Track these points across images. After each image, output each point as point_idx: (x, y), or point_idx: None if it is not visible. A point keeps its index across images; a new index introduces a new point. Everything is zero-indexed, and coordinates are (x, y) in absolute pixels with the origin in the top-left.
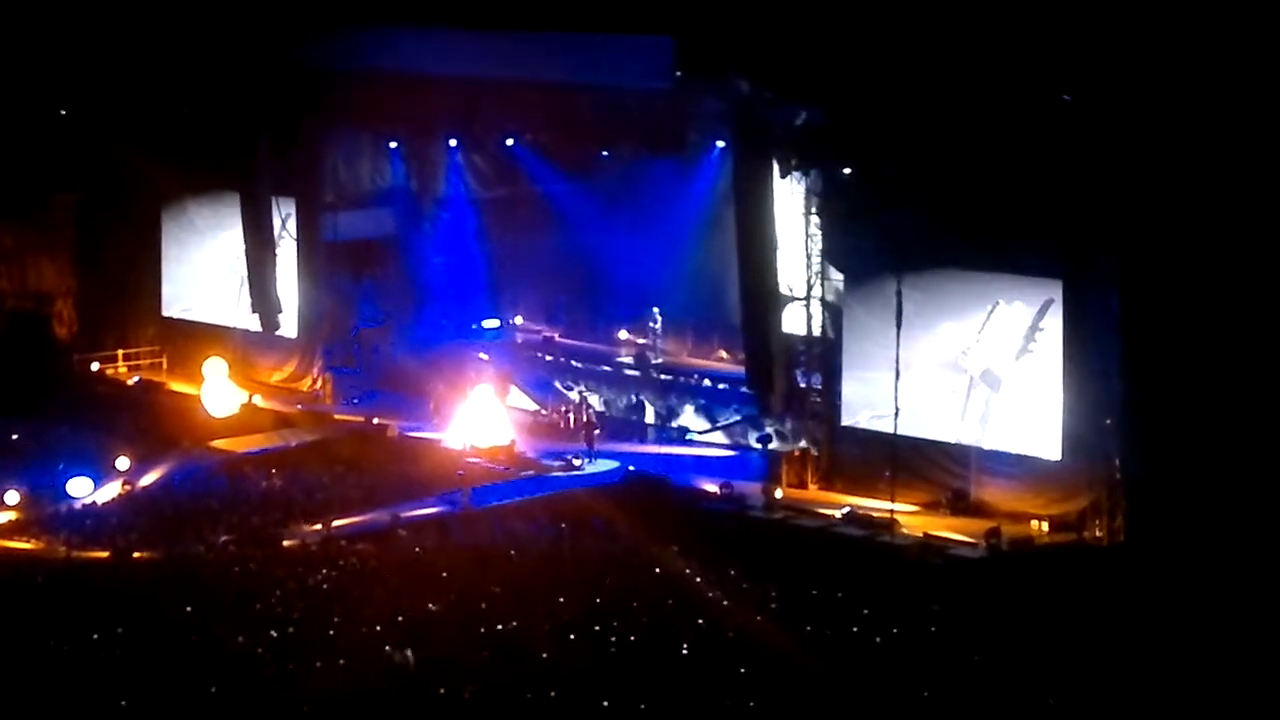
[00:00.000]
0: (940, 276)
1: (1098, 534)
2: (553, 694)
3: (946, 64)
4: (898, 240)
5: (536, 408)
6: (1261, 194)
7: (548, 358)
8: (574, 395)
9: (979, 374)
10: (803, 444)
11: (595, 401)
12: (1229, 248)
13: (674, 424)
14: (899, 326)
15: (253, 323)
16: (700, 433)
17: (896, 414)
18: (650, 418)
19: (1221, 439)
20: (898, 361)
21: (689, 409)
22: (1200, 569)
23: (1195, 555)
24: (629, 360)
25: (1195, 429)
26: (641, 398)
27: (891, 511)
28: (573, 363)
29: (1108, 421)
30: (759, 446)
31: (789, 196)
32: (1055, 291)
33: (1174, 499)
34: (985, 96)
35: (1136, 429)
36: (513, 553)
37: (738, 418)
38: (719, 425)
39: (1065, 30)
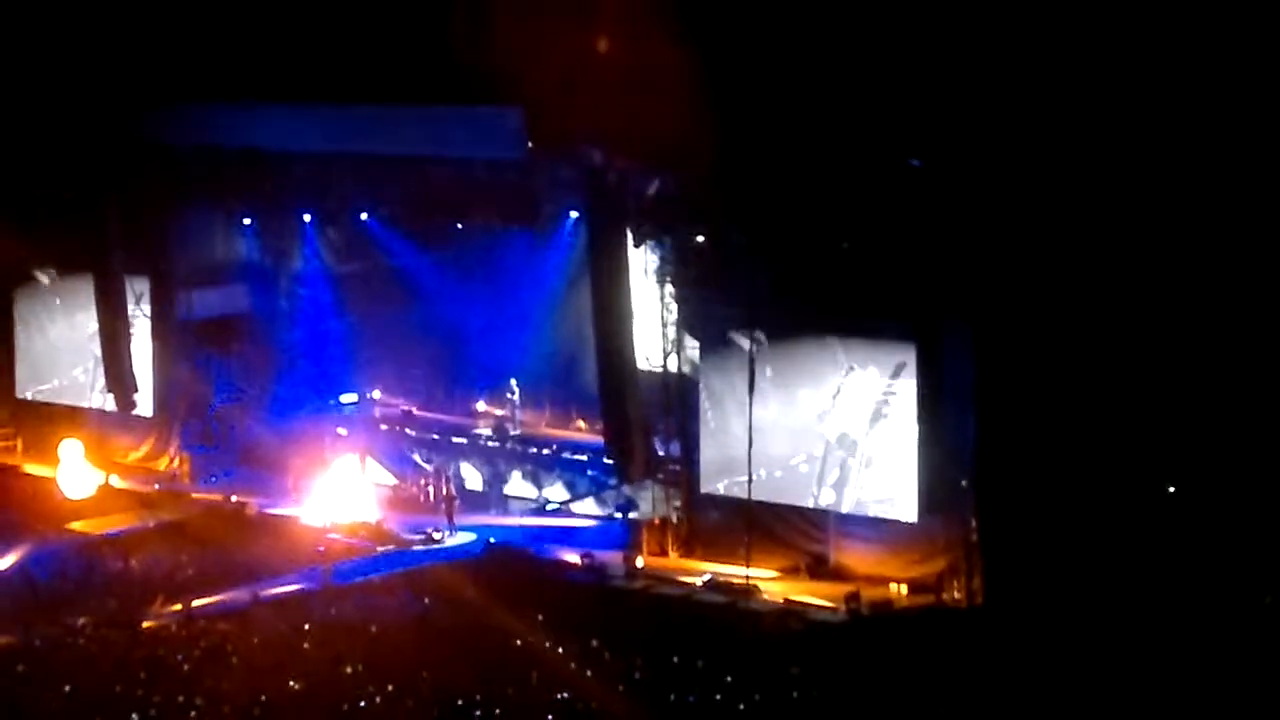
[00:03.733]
0: (794, 342)
1: (956, 595)
2: None
3: (796, 130)
4: (751, 306)
5: (395, 481)
6: (1114, 257)
7: (406, 431)
8: (432, 468)
9: (835, 438)
10: (663, 512)
11: (454, 474)
12: (1081, 312)
13: (534, 495)
14: (751, 393)
15: (108, 402)
16: (560, 503)
17: (750, 480)
18: (510, 489)
19: (1075, 500)
20: (750, 428)
21: (548, 480)
22: (1057, 630)
23: (1052, 616)
24: (487, 432)
25: (1050, 490)
26: (501, 469)
27: (747, 578)
28: (431, 435)
29: (963, 483)
30: (619, 515)
31: (643, 265)
32: (908, 355)
33: (1030, 560)
34: (834, 161)
35: (991, 490)
36: (373, 628)
37: (597, 488)
38: (579, 495)
39: (912, 96)
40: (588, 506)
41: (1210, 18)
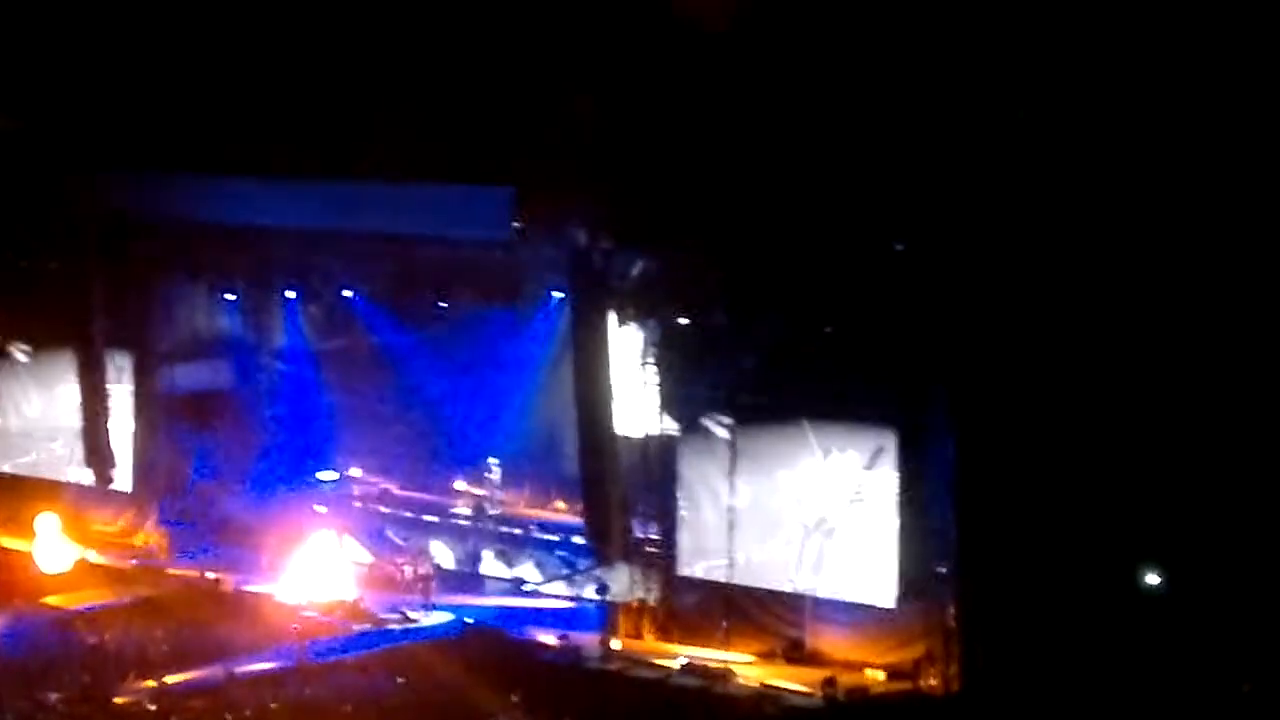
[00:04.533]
0: (774, 425)
1: (933, 682)
2: None
3: (782, 213)
4: (732, 389)
5: (372, 560)
6: (1102, 345)
7: (384, 510)
8: (410, 547)
9: (813, 522)
10: (640, 595)
11: (431, 553)
12: (1065, 398)
13: (511, 575)
14: (732, 475)
15: (86, 476)
16: (537, 584)
17: (730, 565)
18: (487, 569)
19: (1056, 588)
20: (730, 511)
21: (526, 560)
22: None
23: (1029, 704)
24: (466, 511)
25: (1030, 579)
26: (478, 549)
27: (725, 662)
28: (409, 514)
29: (941, 569)
30: (596, 597)
31: (626, 345)
32: (888, 440)
33: (1008, 648)
34: (817, 246)
35: (970, 578)
36: (348, 708)
37: (568, 569)
38: (550, 576)
39: (894, 180)
40: (564, 587)
41: (1183, 89)
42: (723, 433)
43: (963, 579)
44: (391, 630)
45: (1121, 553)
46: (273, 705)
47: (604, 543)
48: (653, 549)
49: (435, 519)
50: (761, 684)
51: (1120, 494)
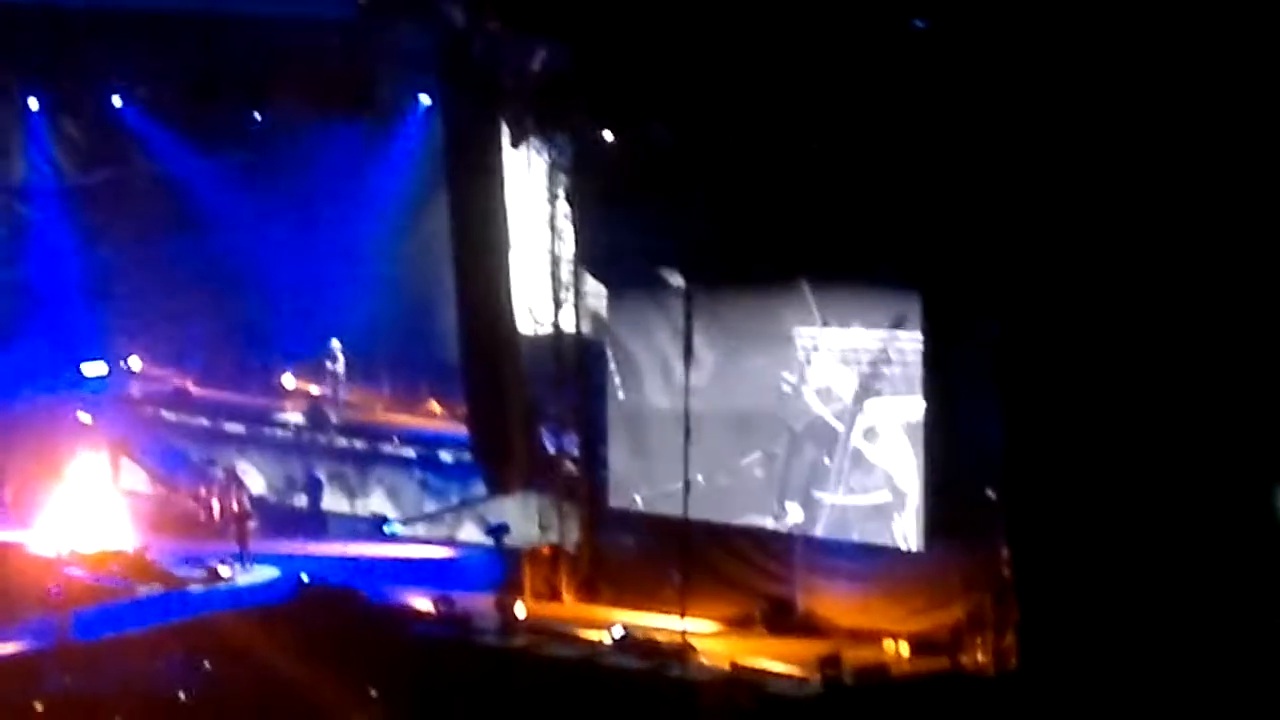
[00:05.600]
0: (745, 289)
1: (979, 658)
2: None
3: None
4: (683, 237)
5: (163, 490)
6: (1200, 164)
7: (177, 418)
8: (218, 472)
9: (803, 428)
10: (554, 537)
11: (250, 481)
12: (1161, 233)
13: (364, 511)
14: (688, 363)
15: None
16: (404, 523)
17: (687, 489)
18: (330, 503)
19: (1153, 517)
20: (687, 413)
21: (385, 488)
22: (1119, 707)
23: (1112, 687)
24: (298, 419)
25: (1113, 504)
26: (317, 474)
27: (684, 632)
28: (213, 424)
29: (990, 493)
30: (490, 541)
31: (526, 174)
32: (911, 306)
33: (1085, 607)
34: (801, 24)
35: (1032, 503)
36: (131, 705)
37: (458, 500)
38: (431, 512)
39: None
40: (444, 528)
41: None
42: (670, 298)
43: (1019, 508)
44: (193, 593)
45: (1254, 465)
46: (27, 704)
47: (498, 461)
48: (571, 469)
49: (254, 429)
50: (733, 663)
51: (1252, 384)
